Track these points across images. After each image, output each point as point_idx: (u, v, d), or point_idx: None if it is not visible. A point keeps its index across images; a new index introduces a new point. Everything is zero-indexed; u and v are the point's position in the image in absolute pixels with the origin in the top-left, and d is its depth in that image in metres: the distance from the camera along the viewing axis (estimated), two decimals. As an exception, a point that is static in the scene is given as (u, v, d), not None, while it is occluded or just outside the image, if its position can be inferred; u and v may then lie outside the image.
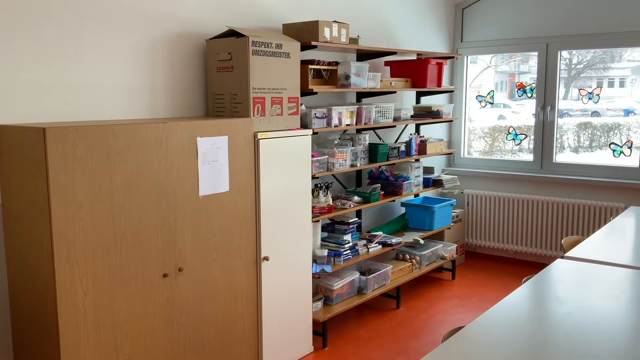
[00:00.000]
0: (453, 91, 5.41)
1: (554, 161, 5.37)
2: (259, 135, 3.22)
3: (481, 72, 5.91)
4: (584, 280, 2.76)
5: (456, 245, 5.21)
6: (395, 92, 4.47)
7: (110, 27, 2.97)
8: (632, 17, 4.83)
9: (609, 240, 3.47)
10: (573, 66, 5.39)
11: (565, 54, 5.30)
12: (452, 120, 5.37)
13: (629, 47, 4.98)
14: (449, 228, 5.23)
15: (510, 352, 1.99)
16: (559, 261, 3.03)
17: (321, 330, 3.83)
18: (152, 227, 2.73)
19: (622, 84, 5.17)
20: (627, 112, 5.14)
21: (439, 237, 5.28)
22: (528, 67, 5.65)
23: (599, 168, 5.14)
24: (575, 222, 5.13)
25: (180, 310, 2.90)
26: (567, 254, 3.14)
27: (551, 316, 2.31)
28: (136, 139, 2.62)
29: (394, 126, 4.60)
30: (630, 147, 5.04)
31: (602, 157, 5.23)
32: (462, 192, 5.80)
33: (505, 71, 5.92)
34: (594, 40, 5.05)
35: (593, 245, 3.34)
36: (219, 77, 3.32)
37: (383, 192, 4.47)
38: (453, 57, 5.20)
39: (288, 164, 3.42)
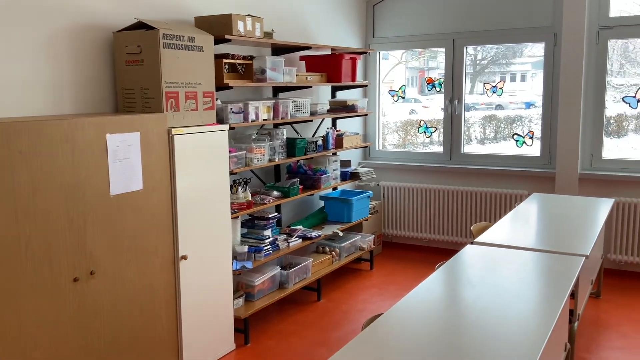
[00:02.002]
0: (367, 86, 5.53)
1: (462, 152, 5.62)
2: (173, 131, 3.13)
3: (393, 67, 6.07)
4: (492, 264, 2.92)
5: (373, 236, 5.34)
6: (311, 86, 4.50)
7: (8, 21, 2.78)
8: (532, 14, 5.13)
9: (514, 226, 3.68)
10: (478, 62, 5.65)
11: (470, 49, 5.55)
12: (366, 115, 5.47)
13: (528, 42, 5.30)
14: (367, 220, 5.35)
15: (426, 335, 2.07)
16: (469, 247, 3.18)
17: (243, 327, 3.80)
18: (60, 229, 2.59)
19: (523, 79, 5.49)
20: (528, 105, 5.47)
21: (357, 228, 5.38)
22: (436, 63, 5.86)
23: (503, 158, 5.44)
24: (484, 210, 5.40)
25: (94, 315, 2.78)
26: (476, 240, 3.31)
27: (463, 299, 2.43)
28: (40, 136, 2.48)
29: (311, 120, 4.63)
30: (531, 138, 5.37)
31: (506, 148, 5.53)
32: (378, 184, 5.94)
33: (415, 67, 6.12)
34: (496, 36, 5.33)
35: (500, 230, 3.54)
36: (129, 71, 3.20)
37: (302, 187, 4.49)
38: (366, 53, 5.30)
39: (205, 160, 3.35)
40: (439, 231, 5.66)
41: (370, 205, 5.50)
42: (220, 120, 3.65)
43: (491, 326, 2.14)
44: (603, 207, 4.07)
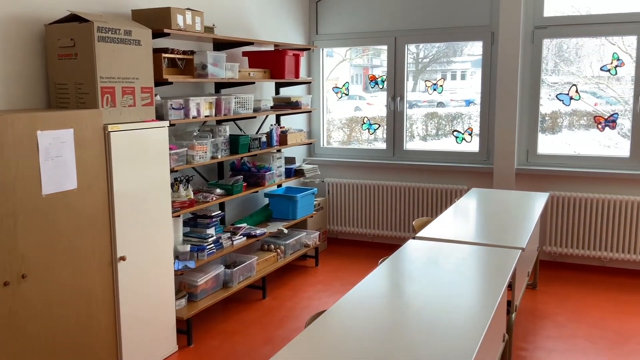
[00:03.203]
0: (310, 82, 5.52)
1: (404, 149, 5.70)
2: (110, 128, 3.03)
3: (337, 64, 6.09)
4: (433, 258, 2.97)
5: (318, 232, 5.34)
6: (254, 82, 4.45)
7: None
8: (470, 13, 5.26)
9: (454, 220, 3.76)
10: (420, 60, 5.74)
11: (412, 48, 5.64)
12: (310, 111, 5.47)
13: (467, 41, 5.42)
14: (312, 216, 5.35)
15: (368, 331, 2.08)
16: (410, 242, 3.23)
17: (186, 328, 3.73)
18: (-12, 231, 2.45)
19: (463, 77, 5.62)
20: (468, 103, 5.60)
21: (302, 225, 5.37)
22: (380, 60, 5.92)
23: (444, 154, 5.55)
24: (425, 205, 5.50)
25: (26, 320, 2.65)
26: (417, 235, 3.36)
27: (405, 294, 2.45)
28: (-37, 133, 2.34)
29: (254, 117, 4.58)
30: (470, 134, 5.51)
31: (447, 144, 5.65)
32: (322, 181, 5.96)
33: (359, 64, 6.15)
34: (437, 35, 5.43)
35: (440, 225, 3.61)
36: (61, 65, 3.07)
37: (246, 184, 4.44)
38: (309, 49, 5.29)
39: (143, 158, 3.26)
40: (383, 227, 5.73)
41: (315, 202, 5.50)
42: (160, 116, 3.55)
43: (432, 320, 2.18)
44: (538, 201, 4.22)
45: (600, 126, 4.99)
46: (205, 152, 3.88)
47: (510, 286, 3.21)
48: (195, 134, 3.97)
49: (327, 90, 6.06)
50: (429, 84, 5.61)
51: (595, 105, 5.07)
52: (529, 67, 5.08)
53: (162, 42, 3.82)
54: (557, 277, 4.86)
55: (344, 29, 5.79)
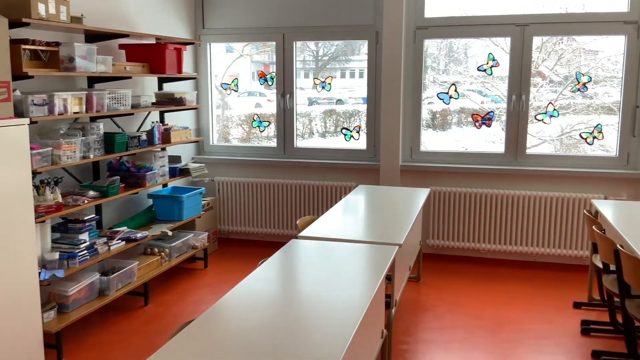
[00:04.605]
0: (195, 78, 5.34)
1: (295, 146, 5.67)
2: (-45, 126, 2.71)
3: (234, 60, 5.95)
4: (313, 257, 2.94)
5: (207, 233, 5.18)
6: (130, 77, 4.21)
7: None
8: (356, 12, 5.31)
9: (337, 218, 3.77)
10: (319, 57, 5.74)
11: (312, 45, 5.64)
12: (196, 108, 5.29)
13: (353, 40, 5.49)
14: (200, 217, 5.17)
15: (241, 335, 1.99)
16: (293, 241, 3.18)
17: (55, 342, 3.45)
18: None
19: (361, 75, 5.66)
20: (365, 100, 5.67)
21: (190, 226, 5.18)
22: None
23: (334, 151, 5.59)
24: (315, 202, 5.51)
25: None
26: (300, 234, 3.32)
27: (282, 295, 2.39)
28: None
29: (132, 114, 4.34)
30: (358, 132, 5.58)
31: (338, 142, 5.69)
32: (212, 180, 5.79)
33: (260, 61, 6.03)
34: (324, 33, 5.44)
35: (324, 223, 3.59)
36: None
37: (124, 185, 4.19)
38: (193, 43, 5.11)
39: (-2, 159, 2.95)
40: (274, 225, 5.67)
41: (204, 202, 5.33)
42: (20, 113, 3.25)
43: (307, 320, 2.13)
44: (420, 197, 4.34)
45: (477, 124, 5.24)
46: (74, 151, 3.60)
47: (390, 280, 3.26)
48: (62, 132, 3.68)
49: (215, 86, 5.89)
50: (317, 81, 5.61)
51: (481, 103, 5.32)
52: (412, 66, 5.22)
53: (22, 33, 3.49)
54: (440, 269, 5.04)
55: (231, 24, 5.65)
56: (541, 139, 5.21)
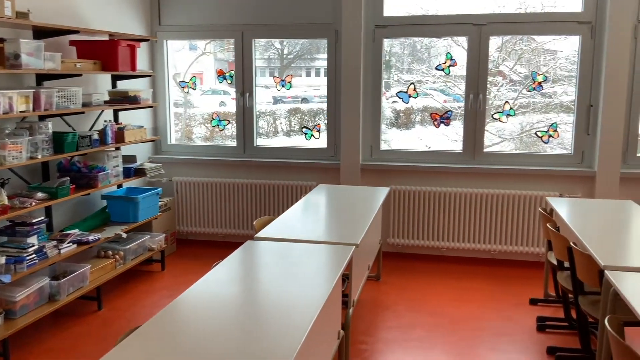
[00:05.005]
0: (151, 75, 5.21)
1: (255, 145, 5.60)
2: None
3: (197, 58, 5.83)
4: (268, 259, 2.89)
5: (164, 235, 5.07)
6: (81, 74, 4.08)
7: None
8: (315, 10, 5.26)
9: (296, 218, 3.72)
10: (285, 56, 5.68)
11: (277, 44, 5.58)
12: (152, 106, 5.16)
13: (312, 38, 5.45)
14: (156, 218, 5.05)
15: (188, 341, 1.92)
16: (248, 242, 3.12)
17: (2, 350, 3.31)
18: None
19: (326, 74, 5.62)
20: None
21: (146, 228, 5.05)
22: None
23: (295, 150, 5.54)
24: (276, 201, 5.45)
25: None
26: (257, 235, 3.26)
27: (233, 299, 2.33)
28: None
29: (83, 112, 4.21)
30: (319, 131, 5.54)
31: (298, 141, 5.65)
32: (170, 180, 5.67)
33: (224, 59, 5.92)
34: (283, 31, 5.38)
35: (282, 223, 3.54)
36: None
37: (74, 186, 4.06)
38: (148, 40, 4.98)
39: None
40: (234, 226, 5.59)
41: (161, 202, 5.21)
42: (-40, 112, 3.10)
43: (260, 321, 2.08)
44: (379, 196, 4.33)
45: (436, 123, 5.26)
46: (21, 151, 3.46)
47: (346, 281, 3.23)
48: (7, 131, 3.53)
49: (174, 84, 5.77)
50: (276, 80, 5.55)
51: (444, 102, 5.35)
52: (372, 65, 5.20)
53: (-37, 27, 3.34)
54: (400, 267, 5.05)
55: (189, 21, 5.54)
56: (502, 137, 5.27)
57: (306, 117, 5.72)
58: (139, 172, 4.82)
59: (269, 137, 5.75)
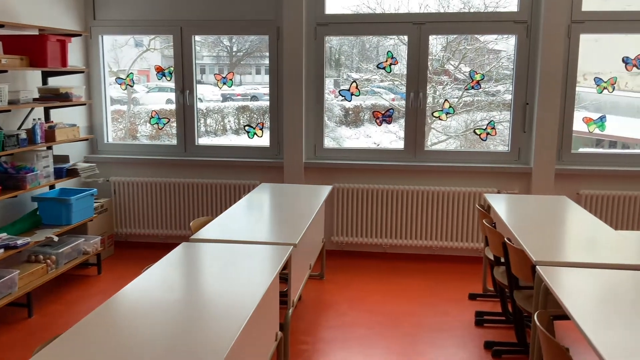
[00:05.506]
0: (83, 72, 5.02)
1: (196, 144, 5.48)
2: None
3: (140, 54, 5.65)
4: (205, 260, 2.81)
5: (101, 237, 4.89)
6: (7, 71, 3.87)
7: None
8: (256, 6, 5.18)
9: (236, 218, 3.64)
10: (234, 53, 5.57)
11: (225, 41, 5.47)
12: (85, 104, 4.96)
13: (253, 35, 5.38)
14: (92, 220, 4.86)
15: (121, 346, 1.84)
16: (183, 244, 3.03)
17: None
18: None
19: (268, 71, 5.57)
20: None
21: (81, 230, 4.86)
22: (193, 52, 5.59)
23: (238, 149, 5.44)
24: (218, 202, 5.34)
25: None
26: (192, 237, 3.17)
27: (167, 301, 2.25)
28: None
29: (10, 110, 3.99)
30: (262, 129, 5.46)
31: (242, 139, 5.56)
32: (107, 180, 5.47)
33: (171, 55, 5.74)
34: (224, 27, 5.28)
35: (220, 224, 3.46)
36: None
37: (0, 187, 3.85)
38: (81, 35, 4.79)
39: None
40: (175, 226, 5.45)
41: (97, 204, 5.02)
42: None
43: (191, 325, 2.00)
44: (322, 194, 4.30)
45: (378, 121, 5.28)
46: (-63, 152, 3.25)
47: (286, 281, 3.19)
48: None
49: (113, 81, 5.58)
50: (218, 77, 5.44)
51: (392, 100, 5.38)
52: (314, 63, 5.17)
53: None
54: (344, 265, 5.04)
55: (125, 16, 5.35)
56: (447, 134, 5.35)
57: (255, 115, 5.64)
58: (72, 173, 4.62)
59: (217, 135, 5.64)
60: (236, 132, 5.67)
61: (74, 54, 5.08)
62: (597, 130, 5.07)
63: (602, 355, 1.82)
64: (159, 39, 5.66)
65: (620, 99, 5.29)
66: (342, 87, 5.32)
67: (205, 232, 3.26)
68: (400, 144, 5.24)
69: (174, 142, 5.54)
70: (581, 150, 5.21)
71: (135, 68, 5.68)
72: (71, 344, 1.90)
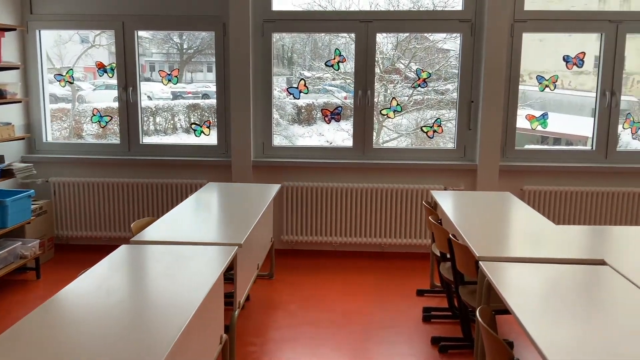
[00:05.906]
0: (18, 68, 4.79)
1: (141, 143, 5.32)
2: None
3: (85, 50, 5.44)
4: (145, 263, 2.72)
5: (40, 240, 4.69)
6: None
7: None
8: (202, 2, 5.06)
9: (180, 218, 3.55)
10: (184, 50, 5.43)
11: (176, 38, 5.33)
12: (20, 101, 4.74)
13: (198, 30, 5.28)
14: (29, 222, 4.65)
15: (53, 354, 1.74)
16: (123, 247, 2.93)
17: None
18: None
19: (215, 68, 5.46)
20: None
21: (18, 233, 4.64)
22: (142, 49, 5.41)
23: (185, 148, 5.32)
24: (164, 202, 5.21)
25: None
26: (133, 238, 3.07)
27: (103, 306, 2.16)
28: None
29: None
30: (209, 127, 5.36)
31: (190, 138, 5.45)
32: (47, 181, 5.25)
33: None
34: (168, 22, 5.14)
35: (163, 225, 3.36)
36: None
37: None
38: (15, 30, 4.57)
39: None
40: (118, 228, 5.28)
41: (35, 206, 4.81)
42: None
43: (127, 330, 1.92)
44: (270, 193, 4.24)
45: (327, 119, 5.27)
46: None
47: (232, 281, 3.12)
48: None
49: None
50: (163, 74, 5.30)
51: (345, 98, 5.37)
52: (261, 60, 5.10)
53: None
54: (294, 264, 5.01)
55: (64, 9, 5.14)
56: (398, 132, 5.38)
57: (206, 114, 5.53)
58: (7, 173, 4.42)
59: (167, 134, 5.50)
60: (187, 130, 5.56)
61: (9, 49, 4.85)
62: (539, 128, 5.20)
63: (540, 349, 1.84)
64: (105, 35, 5.47)
65: (563, 97, 5.45)
66: (292, 85, 5.28)
67: (147, 234, 3.16)
68: (351, 142, 5.24)
69: (117, 140, 5.37)
70: (526, 147, 5.34)
71: (80, 65, 5.48)
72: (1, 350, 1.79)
